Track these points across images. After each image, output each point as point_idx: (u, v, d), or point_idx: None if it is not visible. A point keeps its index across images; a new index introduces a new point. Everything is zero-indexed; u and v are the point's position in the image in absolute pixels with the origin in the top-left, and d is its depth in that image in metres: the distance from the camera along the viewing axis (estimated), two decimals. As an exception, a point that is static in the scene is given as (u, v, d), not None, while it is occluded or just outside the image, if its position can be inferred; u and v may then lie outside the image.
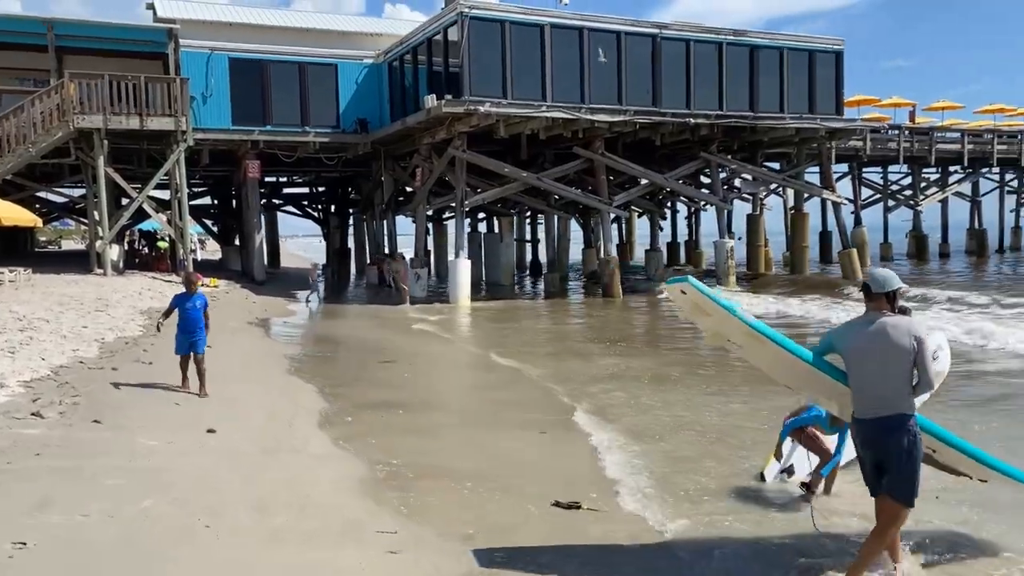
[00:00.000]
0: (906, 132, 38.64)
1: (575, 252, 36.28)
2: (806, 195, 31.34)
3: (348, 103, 27.73)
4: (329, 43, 27.89)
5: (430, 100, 22.56)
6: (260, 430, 8.00)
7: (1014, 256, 43.76)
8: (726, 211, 27.54)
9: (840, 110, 28.80)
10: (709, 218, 41.68)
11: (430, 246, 32.57)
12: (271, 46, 26.91)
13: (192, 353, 9.07)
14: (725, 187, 29.27)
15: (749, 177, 30.66)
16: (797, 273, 29.21)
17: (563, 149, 26.13)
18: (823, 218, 38.74)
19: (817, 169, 29.69)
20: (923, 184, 42.00)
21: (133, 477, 6.03)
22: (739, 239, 28.77)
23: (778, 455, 6.50)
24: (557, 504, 6.06)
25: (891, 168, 41.91)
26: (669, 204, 37.70)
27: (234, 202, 34.03)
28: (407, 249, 27.42)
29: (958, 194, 43.47)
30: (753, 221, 30.53)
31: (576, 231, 35.88)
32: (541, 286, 29.88)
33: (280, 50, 27.01)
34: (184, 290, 9.28)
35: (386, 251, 30.06)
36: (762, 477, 6.54)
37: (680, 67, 25.61)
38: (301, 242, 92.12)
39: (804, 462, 6.61)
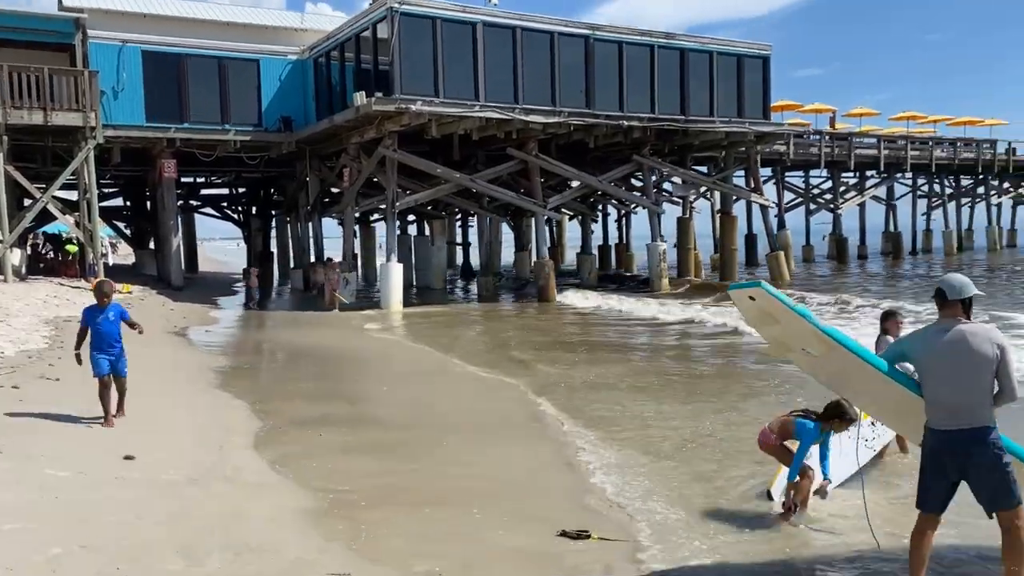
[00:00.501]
0: (827, 137, 39.73)
1: (507, 255, 35.97)
2: (735, 198, 31.70)
3: (271, 100, 26.58)
4: (251, 38, 26.70)
5: (359, 98, 21.73)
6: (186, 456, 7.19)
7: (925, 258, 45.55)
8: (658, 214, 27.53)
9: (767, 114, 29.26)
10: (639, 221, 42.26)
11: (357, 249, 31.58)
12: (189, 39, 25.53)
13: (113, 375, 7.99)
14: (655, 190, 29.34)
15: (679, 180, 30.84)
16: (727, 277, 29.44)
17: (496, 151, 25.66)
18: (748, 221, 39.45)
19: (742, 173, 30.13)
20: (842, 188, 43.28)
21: (39, 518, 5.20)
22: (673, 245, 28.85)
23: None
24: (564, 534, 5.42)
25: (812, 172, 43.02)
26: (600, 207, 37.68)
27: (148, 203, 32.27)
28: (334, 252, 26.46)
29: (875, 198, 44.97)
30: (683, 224, 30.73)
31: (508, 234, 35.57)
32: (474, 289, 29.28)
33: (199, 44, 25.65)
34: (95, 302, 8.11)
35: (312, 255, 28.96)
36: (769, 495, 6.11)
37: (613, 69, 25.49)
38: (220, 245, 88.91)
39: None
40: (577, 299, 24.36)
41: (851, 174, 43.47)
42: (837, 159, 40.35)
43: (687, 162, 29.99)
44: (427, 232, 34.31)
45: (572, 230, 41.22)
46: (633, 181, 31.12)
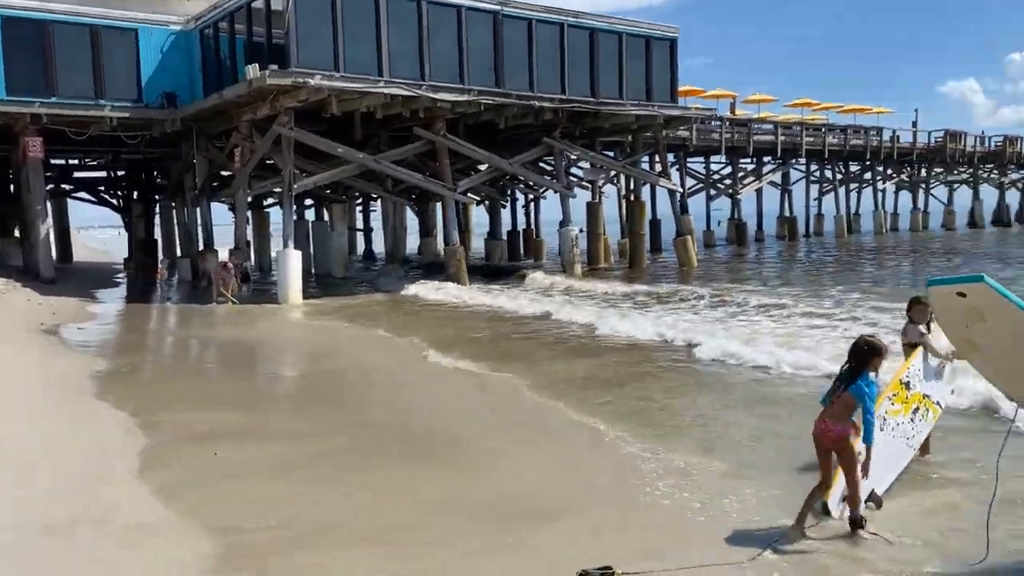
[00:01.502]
0: (727, 123, 40.18)
1: (411, 242, 34.67)
2: (644, 183, 31.45)
3: (152, 74, 24.24)
4: (127, 4, 24.23)
5: (252, 70, 19.95)
6: (47, 492, 5.79)
7: (817, 240, 47.00)
8: (569, 199, 26.87)
9: (675, 98, 29.03)
10: (547, 206, 41.63)
11: (251, 236, 29.56)
12: (55, 4, 22.91)
13: None
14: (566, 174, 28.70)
15: (588, 164, 30.31)
16: (636, 263, 29.13)
17: (401, 130, 24.32)
18: (653, 206, 39.42)
19: (647, 158, 29.87)
20: (741, 174, 44.00)
21: None
22: (581, 231, 28.22)
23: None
24: (584, 574, 4.43)
25: (713, 158, 43.52)
26: (509, 192, 36.81)
27: (12, 186, 29.14)
28: (226, 242, 24.54)
29: (772, 183, 46.01)
30: (593, 209, 30.20)
31: (412, 220, 34.24)
32: (379, 278, 27.85)
33: (67, 9, 23.03)
34: None
35: (200, 243, 26.80)
36: (826, 509, 5.24)
37: (523, 47, 24.53)
38: (96, 234, 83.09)
39: (867, 482, 5.39)
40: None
41: (749, 160, 44.26)
42: (737, 145, 40.91)
43: (596, 146, 29.45)
44: (326, 217, 32.56)
45: (477, 215, 40.22)
46: (542, 164, 30.37)
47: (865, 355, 5.07)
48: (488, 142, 26.03)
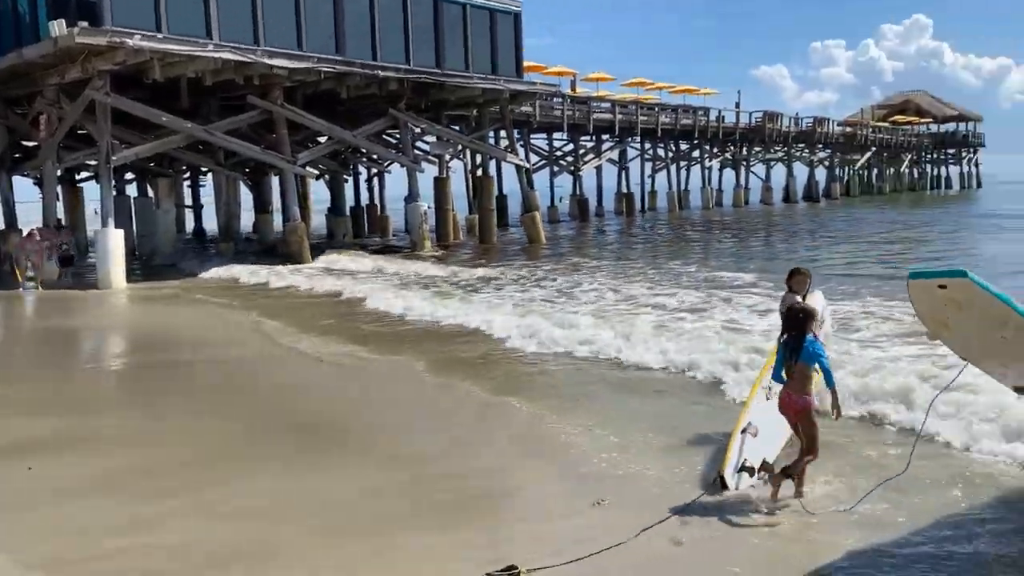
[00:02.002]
0: (569, 101, 40.71)
1: (246, 219, 32.60)
2: (491, 158, 31.23)
3: (-68, 28, 21.05)
4: None
5: (58, 27, 17.68)
6: None
7: (652, 216, 48.95)
8: (417, 173, 26.15)
9: (520, 72, 28.91)
10: (392, 181, 40.53)
11: (61, 214, 26.59)
12: None
13: None
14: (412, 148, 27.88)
15: (434, 138, 29.67)
16: (486, 239, 28.88)
17: (233, 99, 22.61)
18: (499, 182, 39.38)
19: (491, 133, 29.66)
20: (581, 151, 44.86)
21: None
22: (428, 207, 27.56)
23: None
24: None
25: (555, 135, 44.07)
26: (351, 166, 35.43)
27: None
28: (33, 221, 21.89)
29: (610, 160, 47.30)
30: (441, 184, 29.57)
31: (247, 195, 32.17)
32: (216, 259, 25.87)
33: None
34: None
35: (1, 222, 23.73)
36: (722, 482, 5.32)
37: (365, 14, 23.41)
38: None
39: (757, 451, 5.54)
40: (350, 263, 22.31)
41: (589, 137, 45.20)
42: (578, 122, 41.61)
43: (442, 120, 28.84)
44: (151, 193, 29.90)
45: (317, 191, 38.44)
46: (386, 137, 29.40)
47: (803, 322, 5.27)
48: (329, 113, 24.77)
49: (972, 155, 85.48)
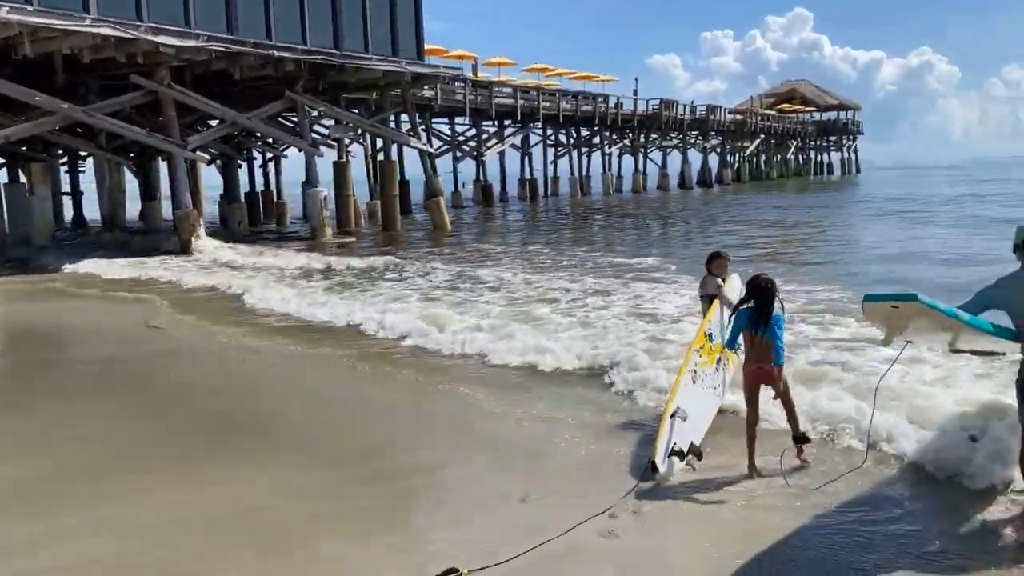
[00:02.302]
0: (471, 85, 40.33)
1: (131, 207, 30.81)
2: (392, 142, 30.54)
3: None
4: None
5: (-91, -5, 16.05)
6: None
7: (555, 201, 49.29)
8: (315, 158, 25.25)
9: (421, 55, 28.35)
10: (288, 166, 39.12)
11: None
12: None
13: None
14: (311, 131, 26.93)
15: (333, 121, 28.74)
16: (389, 226, 28.22)
17: (114, 79, 21.18)
18: (401, 168, 38.63)
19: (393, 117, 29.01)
20: (484, 136, 44.66)
21: None
22: (328, 193, 26.64)
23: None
24: None
25: (457, 120, 43.65)
26: (245, 150, 33.97)
27: None
28: None
29: (513, 146, 47.29)
30: (341, 169, 28.70)
31: (132, 181, 30.38)
32: (100, 250, 24.20)
33: None
34: None
35: None
36: (654, 467, 5.20)
37: (258, -9, 22.37)
38: None
39: (686, 435, 5.47)
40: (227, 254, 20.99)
41: (491, 123, 45.02)
42: (480, 107, 41.31)
43: (340, 103, 27.96)
44: (23, 180, 27.75)
45: (208, 177, 36.61)
46: (281, 121, 28.28)
47: (771, 292, 5.30)
48: (221, 94, 23.57)
49: (852, 142, 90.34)
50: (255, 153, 36.63)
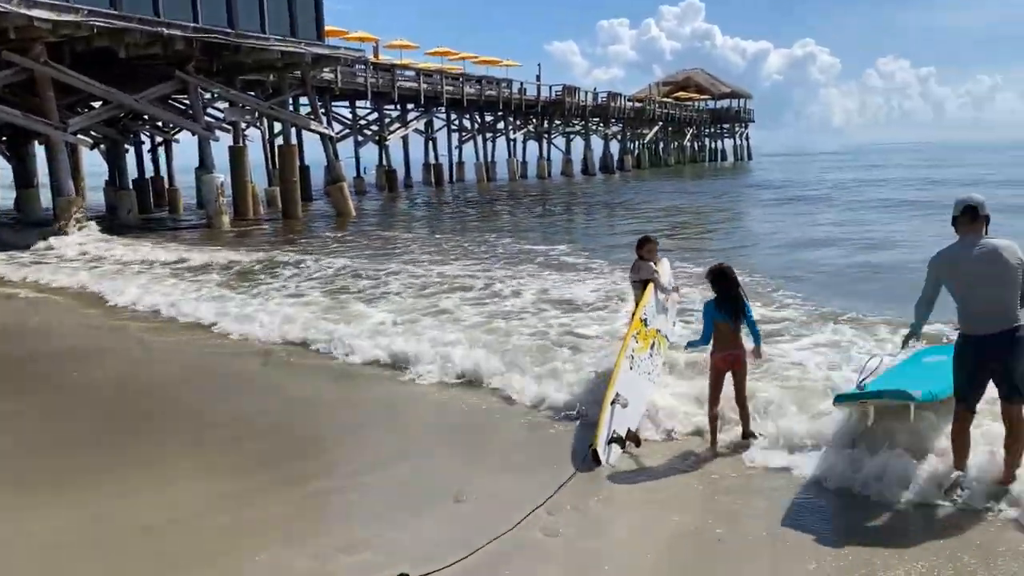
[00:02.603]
0: (372, 68, 39.32)
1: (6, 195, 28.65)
2: (292, 126, 29.43)
3: None
4: None
5: None
6: None
7: (460, 187, 48.87)
8: (210, 142, 24.03)
9: (321, 36, 27.38)
10: (178, 151, 37.13)
11: None
12: None
13: None
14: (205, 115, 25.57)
15: (227, 104, 27.42)
16: (290, 213, 27.18)
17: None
18: (300, 152, 37.35)
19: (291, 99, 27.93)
20: (387, 120, 43.73)
21: None
22: (224, 179, 25.42)
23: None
24: None
25: (358, 103, 42.57)
26: (133, 134, 32.03)
27: None
28: None
29: (417, 131, 46.53)
30: (237, 154, 27.42)
31: (5, 167, 28.23)
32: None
33: None
34: None
35: None
36: (595, 456, 5.12)
37: (143, -37, 21.00)
38: None
39: (624, 422, 5.42)
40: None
41: (394, 107, 44.17)
42: (382, 90, 40.39)
43: (235, 84, 26.68)
44: None
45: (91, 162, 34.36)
46: (173, 103, 26.78)
47: (735, 279, 5.43)
48: (105, 74, 22.02)
49: (744, 129, 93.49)
50: (143, 137, 34.64)
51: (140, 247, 18.34)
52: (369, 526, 4.58)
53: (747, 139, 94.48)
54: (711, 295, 5.58)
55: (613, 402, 5.37)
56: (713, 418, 5.42)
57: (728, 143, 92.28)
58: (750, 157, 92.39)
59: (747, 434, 5.44)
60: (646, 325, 6.21)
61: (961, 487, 4.47)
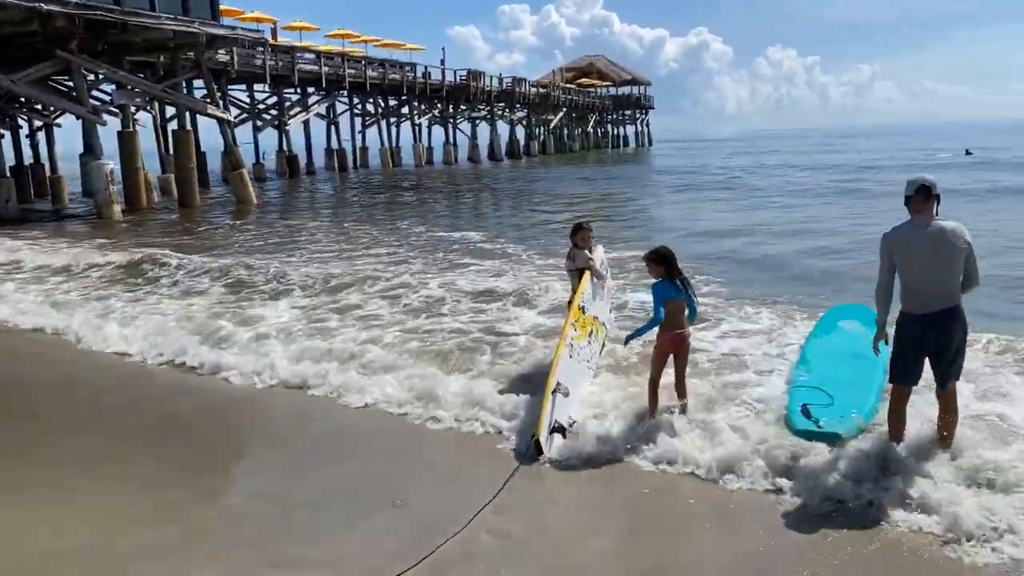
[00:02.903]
0: (270, 50, 37.86)
1: None
2: (186, 110, 28.00)
3: None
4: None
5: None
6: None
7: (365, 173, 47.86)
8: (97, 126, 22.57)
9: (216, 15, 26.16)
10: (62, 136, 34.89)
11: None
12: None
13: None
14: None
15: (115, 86, 25.82)
16: (187, 202, 25.90)
17: None
18: (195, 138, 35.69)
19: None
20: (287, 104, 42.31)
21: None
22: (114, 166, 23.92)
23: None
24: None
25: (256, 87, 41.01)
26: (9, 118, 29.75)
27: None
28: None
29: (318, 115, 45.22)
30: (128, 139, 25.83)
31: None
32: None
33: None
34: None
35: None
36: (537, 447, 5.00)
37: (16, -68, 19.40)
38: None
39: (564, 410, 5.35)
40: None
41: (294, 90, 42.78)
42: (281, 73, 39.01)
43: (123, 65, 25.11)
44: None
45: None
46: (55, 85, 25.00)
47: (675, 259, 5.45)
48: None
49: (644, 116, 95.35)
50: (20, 121, 32.27)
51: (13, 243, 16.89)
52: (301, 539, 4.29)
53: (647, 125, 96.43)
54: (650, 280, 5.57)
55: (554, 391, 5.28)
56: (655, 386, 5.43)
57: (630, 129, 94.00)
58: (651, 143, 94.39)
59: (685, 407, 5.48)
60: (584, 313, 6.17)
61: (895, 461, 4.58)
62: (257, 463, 5.61)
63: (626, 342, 5.75)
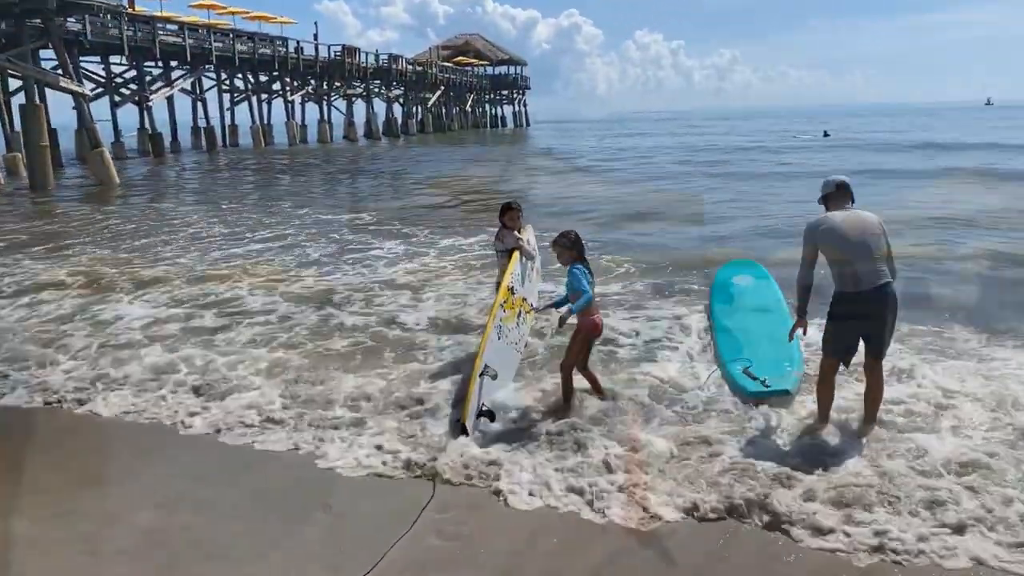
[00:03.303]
0: (128, 19, 35.17)
1: None
2: (33, 83, 25.53)
3: None
4: None
5: None
6: None
7: (235, 152, 45.52)
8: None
9: (66, -20, 23.92)
10: None
11: None
12: None
13: None
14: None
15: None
16: (41, 185, 23.69)
17: None
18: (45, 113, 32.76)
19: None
20: (148, 78, 39.55)
21: None
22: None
23: None
24: None
25: (112, 59, 38.09)
26: None
27: None
28: None
29: (183, 90, 42.56)
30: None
31: None
32: None
33: None
34: None
35: None
36: (464, 430, 4.89)
37: None
38: None
39: (492, 393, 5.27)
40: None
41: (156, 64, 40.07)
42: (141, 45, 36.38)
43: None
44: None
45: None
46: None
47: (582, 243, 5.39)
48: None
49: (521, 96, 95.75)
50: None
51: None
52: (223, 563, 3.86)
53: (525, 106, 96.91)
54: (555, 265, 5.59)
55: (482, 374, 5.12)
56: (570, 371, 5.36)
57: (508, 109, 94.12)
58: (528, 124, 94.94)
59: (603, 393, 5.45)
60: (513, 294, 5.97)
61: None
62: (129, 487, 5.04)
63: (560, 324, 5.29)
